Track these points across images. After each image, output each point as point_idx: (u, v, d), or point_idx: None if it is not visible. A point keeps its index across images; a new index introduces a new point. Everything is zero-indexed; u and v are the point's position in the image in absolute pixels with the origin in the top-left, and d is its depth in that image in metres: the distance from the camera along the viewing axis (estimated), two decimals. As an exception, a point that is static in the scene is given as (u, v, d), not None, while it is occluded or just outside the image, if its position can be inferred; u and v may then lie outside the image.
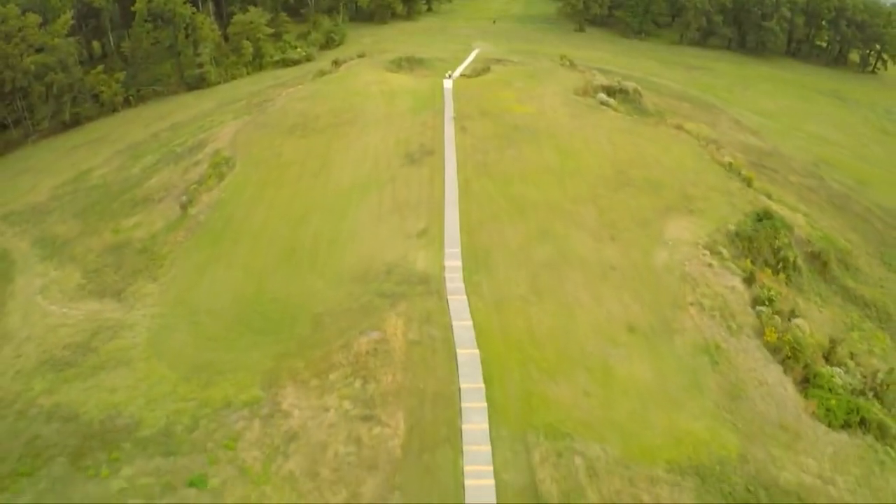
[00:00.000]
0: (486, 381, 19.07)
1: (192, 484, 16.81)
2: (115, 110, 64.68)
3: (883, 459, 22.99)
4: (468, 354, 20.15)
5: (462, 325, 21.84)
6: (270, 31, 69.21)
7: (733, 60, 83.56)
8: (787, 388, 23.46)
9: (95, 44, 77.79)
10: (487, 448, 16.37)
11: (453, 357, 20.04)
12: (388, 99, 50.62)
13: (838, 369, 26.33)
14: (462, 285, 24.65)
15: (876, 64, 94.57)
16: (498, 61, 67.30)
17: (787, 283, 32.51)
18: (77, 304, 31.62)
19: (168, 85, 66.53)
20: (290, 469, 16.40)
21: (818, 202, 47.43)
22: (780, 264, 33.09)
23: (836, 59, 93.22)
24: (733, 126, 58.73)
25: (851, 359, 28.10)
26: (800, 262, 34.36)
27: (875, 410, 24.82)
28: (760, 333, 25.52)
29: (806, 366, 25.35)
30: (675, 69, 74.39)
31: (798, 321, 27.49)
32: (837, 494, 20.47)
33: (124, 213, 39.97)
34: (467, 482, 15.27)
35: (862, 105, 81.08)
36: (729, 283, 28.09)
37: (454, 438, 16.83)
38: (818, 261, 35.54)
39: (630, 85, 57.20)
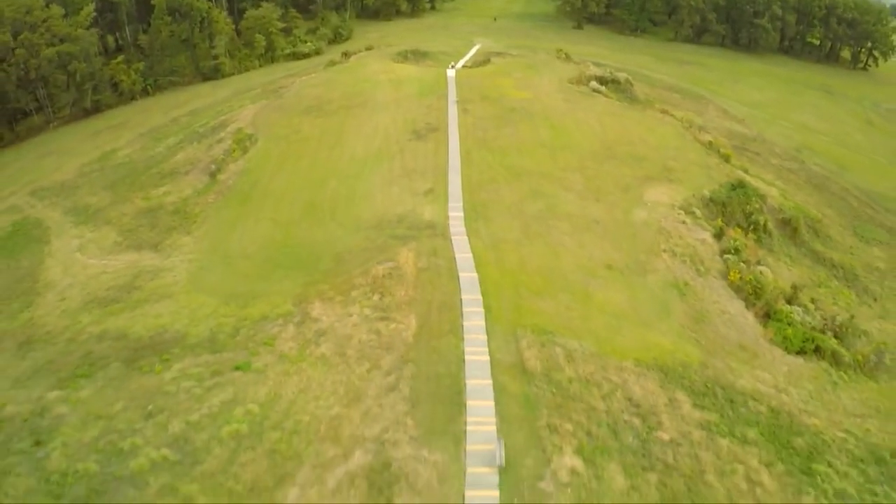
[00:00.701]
0: (483, 294, 23.12)
1: (237, 368, 20.76)
2: (133, 99, 69.47)
3: (836, 381, 26.84)
4: (468, 277, 24.21)
5: (463, 257, 25.93)
6: (282, 25, 74.16)
7: (726, 56, 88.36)
8: (747, 318, 27.44)
9: (109, 38, 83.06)
10: (483, 338, 20.34)
11: (456, 278, 24.11)
12: (396, 85, 55.17)
13: (798, 308, 30.30)
14: (463, 230, 28.81)
15: (867, 61, 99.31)
16: (498, 54, 72.10)
17: (757, 243, 36.65)
18: (115, 256, 35.72)
19: (184, 76, 71.37)
20: (321, 352, 20.37)
21: (796, 181, 51.59)
22: (752, 227, 37.18)
23: (827, 56, 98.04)
24: (720, 114, 63.18)
25: (812, 303, 32.08)
26: (770, 226, 38.47)
27: (830, 341, 28.74)
28: (726, 276, 29.57)
29: (767, 304, 29.34)
30: (668, 64, 79.08)
31: (762, 268, 31.56)
32: (790, 402, 24.30)
33: (153, 184, 44.28)
34: (467, 358, 19.24)
35: (850, 98, 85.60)
36: (700, 236, 32.19)
37: (456, 331, 20.82)
38: (789, 227, 39.65)
39: (622, 76, 61.69)
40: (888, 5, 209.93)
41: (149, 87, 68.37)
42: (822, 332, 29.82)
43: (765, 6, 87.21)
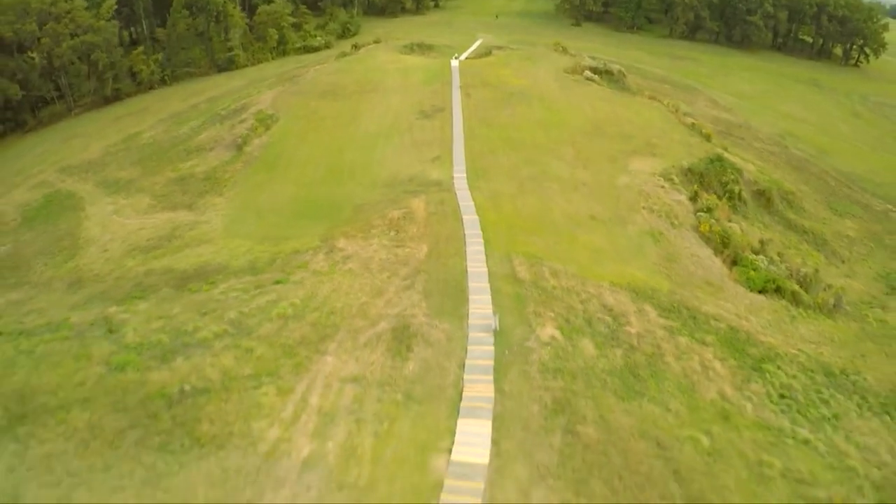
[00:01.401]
0: (482, 230, 27.84)
1: (277, 282, 25.43)
2: (151, 88, 74.88)
3: (794, 315, 31.45)
4: (470, 219, 28.97)
5: (466, 205, 30.72)
6: (293, 20, 79.82)
7: (719, 52, 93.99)
8: (714, 262, 32.17)
9: (124, 32, 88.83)
10: (482, 258, 25.02)
11: (459, 220, 28.84)
12: (404, 74, 60.50)
13: (763, 258, 35.01)
14: (466, 186, 33.65)
15: (858, 57, 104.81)
16: (499, 48, 77.69)
17: (731, 210, 41.44)
18: (152, 215, 40.60)
19: (199, 67, 76.86)
20: (349, 267, 25.05)
21: (776, 162, 56.55)
22: (727, 195, 42.03)
23: (819, 53, 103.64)
24: (708, 104, 68.38)
25: (779, 256, 36.80)
26: (745, 195, 43.30)
27: (791, 284, 33.37)
28: (697, 229, 34.33)
29: (734, 252, 34.06)
30: (662, 58, 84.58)
31: (732, 224, 36.33)
32: (749, 325, 28.87)
33: (180, 159, 49.34)
34: (469, 271, 23.91)
35: (838, 92, 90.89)
36: (676, 198, 37.04)
37: (460, 254, 25.49)
38: (763, 197, 44.50)
39: (615, 67, 67.01)
40: (888, 6, 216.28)
41: (166, 77, 73.91)
42: (786, 279, 34.68)
43: (757, 4, 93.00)
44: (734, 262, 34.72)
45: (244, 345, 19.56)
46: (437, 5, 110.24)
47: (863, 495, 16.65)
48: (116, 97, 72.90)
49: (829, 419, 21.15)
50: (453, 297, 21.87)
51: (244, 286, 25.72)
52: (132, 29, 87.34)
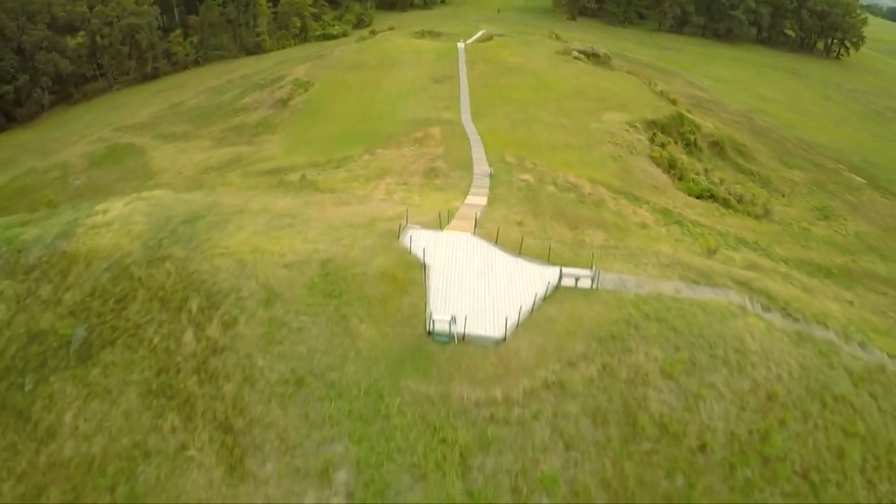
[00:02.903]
0: (483, 143, 41.26)
1: (338, 166, 38.59)
2: (186, 68, 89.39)
3: (723, 212, 44.61)
4: (474, 138, 42.50)
5: (470, 131, 44.32)
6: (313, 10, 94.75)
7: (704, 44, 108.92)
8: (661, 176, 45.43)
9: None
10: (482, 153, 38.69)
11: (466, 138, 42.39)
12: (417, 52, 74.83)
13: (704, 178, 48.10)
14: (471, 122, 47.36)
15: (840, 51, 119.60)
16: (499, 35, 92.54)
17: (687, 154, 54.72)
18: (215, 150, 53.94)
19: (229, 50, 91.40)
20: (389, 159, 38.36)
21: (738, 128, 70.10)
22: (684, 143, 55.39)
23: (801, 47, 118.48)
24: (685, 84, 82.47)
25: (720, 181, 49.87)
26: (701, 143, 56.72)
27: (724, 193, 46.42)
28: (651, 156, 47.53)
29: (680, 172, 47.20)
30: (649, 48, 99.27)
31: (681, 155, 49.49)
32: (684, 213, 41.90)
33: (229, 116, 63.08)
34: (473, 157, 37.52)
35: (814, 80, 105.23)
36: (637, 137, 50.49)
37: (467, 152, 39.05)
38: (717, 146, 58.02)
39: (602, 51, 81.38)
40: (884, 8, 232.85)
41: (199, 58, 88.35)
42: (721, 191, 47.82)
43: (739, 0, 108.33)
44: (680, 179, 47.97)
45: (331, 177, 32.76)
46: (443, 1, 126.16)
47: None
48: (154, 75, 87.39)
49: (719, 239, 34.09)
50: (463, 165, 35.39)
51: (315, 172, 38.99)
52: (164, 17, 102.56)
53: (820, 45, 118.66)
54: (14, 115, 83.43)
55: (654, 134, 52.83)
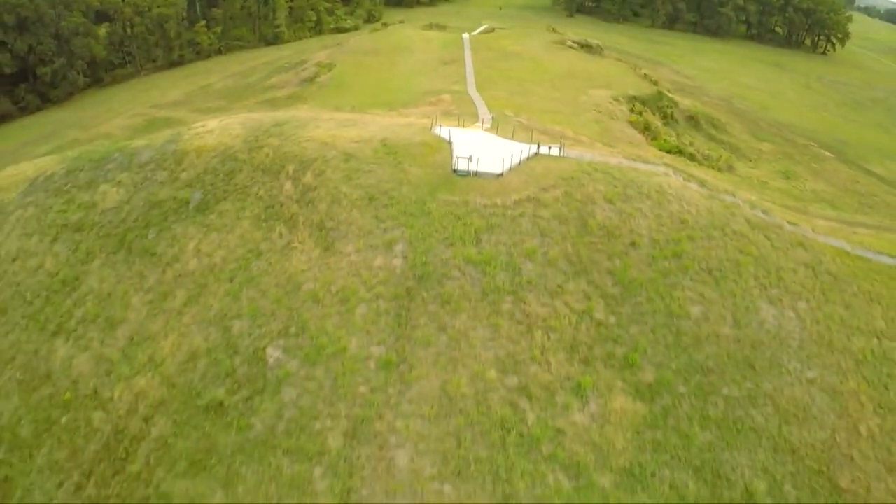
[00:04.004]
0: (487, 104, 51.01)
1: (374, 105, 48.29)
2: (209, 56, 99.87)
3: (689, 164, 54.13)
4: (479, 101, 52.27)
5: (476, 97, 54.11)
6: (327, 5, 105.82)
7: (694, 40, 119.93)
8: (637, 134, 55.06)
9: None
10: (486, 108, 48.09)
11: (472, 102, 52.12)
12: (426, 41, 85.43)
13: (675, 139, 57.92)
14: (476, 92, 57.25)
15: (826, 47, 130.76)
16: (501, 29, 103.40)
17: (664, 125, 64.66)
18: (252, 117, 63.78)
19: (249, 41, 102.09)
20: (406, 111, 48.17)
21: (717, 109, 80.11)
22: (662, 115, 65.31)
23: (789, 42, 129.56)
24: (671, 72, 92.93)
25: (691, 145, 59.69)
26: (678, 116, 66.64)
27: (692, 150, 56.19)
28: (629, 121, 57.39)
29: (654, 134, 57.00)
30: (641, 42, 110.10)
31: (657, 122, 59.34)
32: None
33: (259, 93, 73.13)
34: (478, 111, 46.97)
35: (798, 73, 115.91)
36: (619, 108, 60.35)
37: (473, 108, 48.59)
38: (693, 120, 67.86)
39: (594, 42, 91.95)
40: (882, 10, 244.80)
41: (222, 47, 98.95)
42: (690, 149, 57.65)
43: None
44: (654, 139, 57.82)
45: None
46: None
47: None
48: (180, 62, 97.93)
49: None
50: (471, 114, 45.25)
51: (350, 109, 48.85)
52: (189, 9, 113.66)
53: (807, 41, 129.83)
54: (48, 95, 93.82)
55: (634, 105, 62.81)
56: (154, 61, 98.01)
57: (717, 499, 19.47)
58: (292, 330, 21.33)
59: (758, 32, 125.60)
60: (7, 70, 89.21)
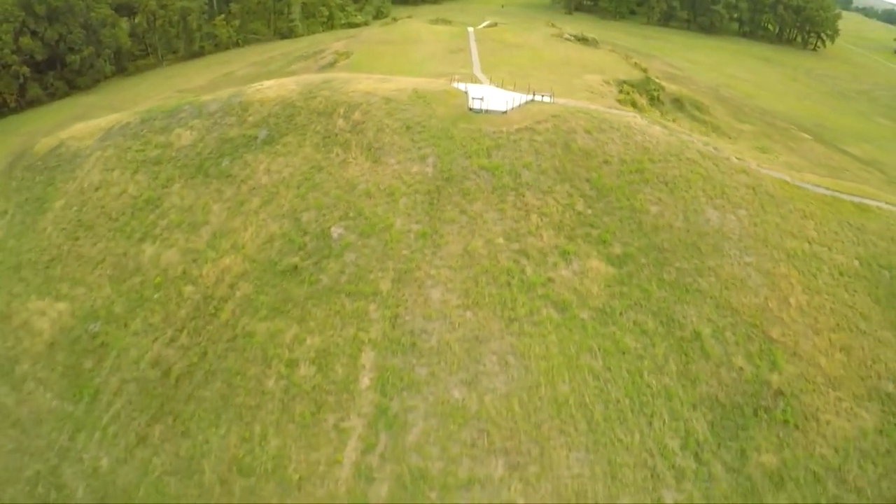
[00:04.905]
0: (491, 81, 59.32)
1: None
2: (227, 48, 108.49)
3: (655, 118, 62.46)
4: (485, 80, 60.58)
5: (481, 77, 62.50)
6: (339, 1, 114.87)
7: (688, 36, 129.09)
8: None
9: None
10: (488, 81, 56.38)
11: (479, 81, 60.39)
12: (434, 33, 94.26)
13: (658, 117, 66.22)
14: (482, 73, 65.61)
15: (816, 43, 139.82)
16: (503, 24, 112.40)
17: (650, 106, 73.04)
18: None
19: (264, 35, 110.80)
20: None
21: (703, 95, 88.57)
22: (649, 97, 73.67)
23: (780, 39, 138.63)
24: (662, 64, 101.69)
25: (674, 121, 67.98)
26: (664, 99, 75.01)
27: (674, 126, 64.46)
28: (617, 100, 65.71)
29: (641, 112, 65.25)
30: (636, 38, 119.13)
31: (643, 101, 67.65)
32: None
33: (284, 75, 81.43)
34: (481, 80, 55.28)
35: (786, 66, 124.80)
36: (609, 89, 68.70)
37: (480, 82, 56.82)
38: (678, 102, 76.25)
39: (591, 36, 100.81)
40: (879, 10, 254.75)
41: (239, 40, 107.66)
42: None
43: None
44: (641, 110, 66.10)
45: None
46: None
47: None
48: (200, 53, 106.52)
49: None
50: (468, 78, 53.23)
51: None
52: (209, 3, 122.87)
53: (798, 38, 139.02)
54: (75, 82, 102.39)
55: (623, 87, 71.18)
56: (175, 52, 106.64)
57: (670, 336, 27.39)
58: (351, 215, 29.40)
59: (750, 30, 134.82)
60: (38, 57, 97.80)
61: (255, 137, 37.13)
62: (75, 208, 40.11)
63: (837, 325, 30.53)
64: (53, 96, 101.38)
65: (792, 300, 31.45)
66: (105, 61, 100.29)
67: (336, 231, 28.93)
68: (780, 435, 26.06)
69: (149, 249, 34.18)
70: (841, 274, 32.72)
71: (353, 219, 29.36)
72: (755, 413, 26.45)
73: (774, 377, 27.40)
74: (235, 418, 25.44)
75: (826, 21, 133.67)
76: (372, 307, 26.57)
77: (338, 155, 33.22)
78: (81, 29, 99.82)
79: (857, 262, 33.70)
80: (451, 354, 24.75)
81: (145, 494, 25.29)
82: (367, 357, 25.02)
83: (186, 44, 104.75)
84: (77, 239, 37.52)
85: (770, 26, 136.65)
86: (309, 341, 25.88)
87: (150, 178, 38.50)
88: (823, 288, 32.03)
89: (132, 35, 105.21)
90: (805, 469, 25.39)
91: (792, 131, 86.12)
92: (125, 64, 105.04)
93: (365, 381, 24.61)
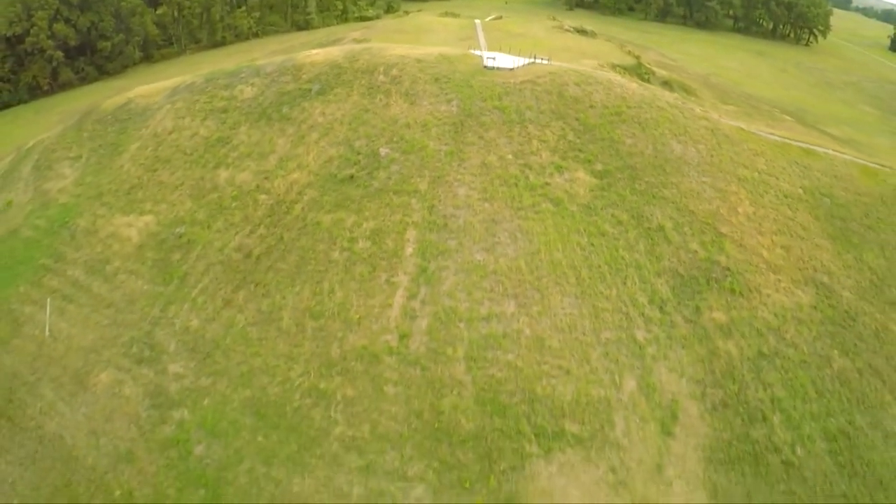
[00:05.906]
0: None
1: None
2: (247, 39, 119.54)
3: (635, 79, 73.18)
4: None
5: (487, 54, 73.08)
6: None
7: (684, 31, 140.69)
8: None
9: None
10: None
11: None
12: (444, 24, 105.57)
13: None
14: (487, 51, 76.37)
15: (809, 38, 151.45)
16: (508, 17, 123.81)
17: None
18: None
19: (282, 27, 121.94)
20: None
21: (692, 82, 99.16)
22: (640, 79, 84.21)
23: (773, 34, 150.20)
24: (655, 55, 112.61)
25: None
26: (654, 82, 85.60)
27: (679, 83, 74.96)
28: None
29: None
30: (633, 32, 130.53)
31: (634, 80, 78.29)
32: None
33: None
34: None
35: (777, 59, 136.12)
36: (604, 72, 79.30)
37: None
38: (667, 84, 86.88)
39: (589, 28, 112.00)
40: (878, 10, 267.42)
41: (258, 31, 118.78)
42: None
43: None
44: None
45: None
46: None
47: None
48: (221, 43, 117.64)
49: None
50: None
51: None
52: None
53: (791, 34, 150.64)
54: (105, 68, 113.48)
55: (615, 69, 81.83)
56: (198, 42, 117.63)
57: (640, 227, 37.45)
58: (395, 139, 39.70)
59: (744, 25, 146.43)
60: (71, 43, 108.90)
61: (310, 90, 47.45)
62: (150, 148, 50.13)
63: (779, 230, 40.59)
64: (84, 80, 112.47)
65: (740, 209, 41.57)
66: (134, 48, 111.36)
67: (383, 151, 39.05)
68: (728, 300, 35.87)
69: (224, 174, 44.25)
70: (786, 196, 42.88)
71: (396, 142, 39.53)
72: (707, 282, 36.36)
73: (723, 258, 37.36)
74: (308, 280, 35.38)
75: (817, 17, 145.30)
76: (413, 201, 36.63)
77: (381, 100, 43.50)
78: (112, 17, 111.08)
79: (800, 190, 43.95)
80: (473, 231, 34.87)
81: (231, 342, 34.88)
82: (411, 234, 35.11)
83: (209, 34, 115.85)
84: (155, 171, 47.45)
85: (763, 22, 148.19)
86: (365, 225, 35.95)
87: (218, 123, 48.72)
88: (769, 204, 42.17)
89: (157, 24, 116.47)
90: (749, 326, 34.97)
91: (774, 113, 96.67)
92: (151, 52, 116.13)
93: (409, 249, 34.65)
